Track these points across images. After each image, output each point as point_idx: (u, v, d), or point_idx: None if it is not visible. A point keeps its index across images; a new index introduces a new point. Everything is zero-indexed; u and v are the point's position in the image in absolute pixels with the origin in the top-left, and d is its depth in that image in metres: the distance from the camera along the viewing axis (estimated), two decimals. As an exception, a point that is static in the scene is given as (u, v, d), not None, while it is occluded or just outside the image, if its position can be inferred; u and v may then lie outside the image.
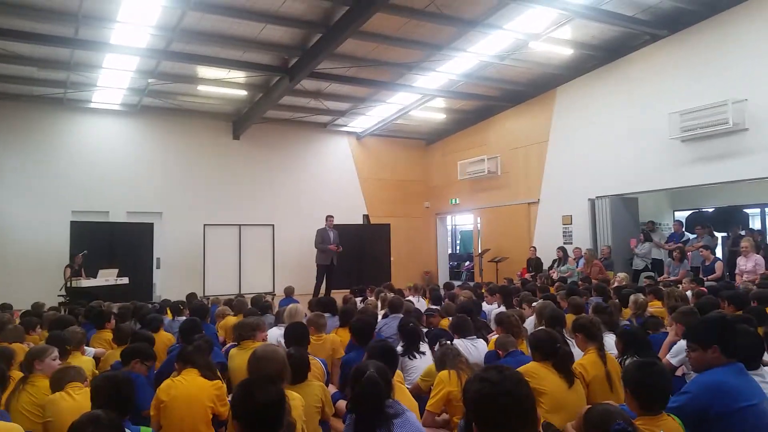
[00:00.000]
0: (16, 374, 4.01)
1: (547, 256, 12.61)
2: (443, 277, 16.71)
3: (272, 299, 10.40)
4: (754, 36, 9.22)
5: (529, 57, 11.35)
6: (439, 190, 17.27)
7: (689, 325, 3.51)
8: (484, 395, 1.87)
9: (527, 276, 12.04)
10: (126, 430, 2.66)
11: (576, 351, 4.10)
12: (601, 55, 11.56)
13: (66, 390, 3.49)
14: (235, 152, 15.14)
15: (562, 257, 12.04)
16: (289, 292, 9.71)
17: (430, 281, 15.00)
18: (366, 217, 16.16)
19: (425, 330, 5.56)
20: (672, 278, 9.79)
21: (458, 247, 19.37)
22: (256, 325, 4.97)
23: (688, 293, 6.76)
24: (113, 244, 11.85)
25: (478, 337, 5.08)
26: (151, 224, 12.97)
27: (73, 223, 11.89)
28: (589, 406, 2.61)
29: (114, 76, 11.78)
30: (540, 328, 4.41)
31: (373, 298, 8.37)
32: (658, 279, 9.89)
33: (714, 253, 10.34)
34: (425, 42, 10.64)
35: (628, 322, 5.54)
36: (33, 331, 5.98)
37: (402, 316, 5.97)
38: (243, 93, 13.13)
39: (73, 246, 11.46)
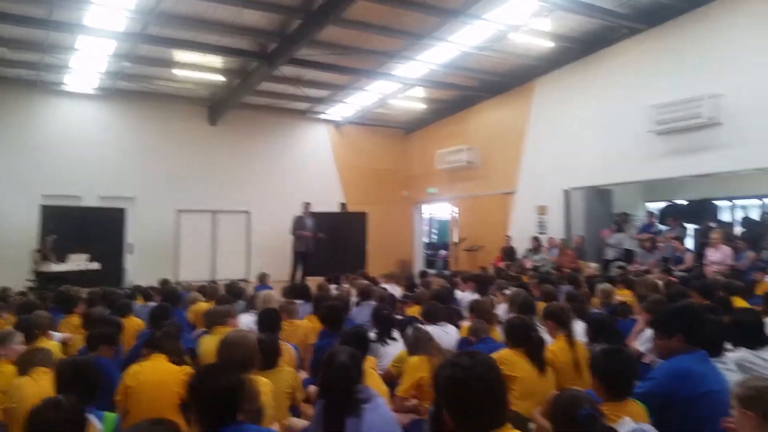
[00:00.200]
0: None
1: (521, 245, 12.73)
2: (419, 265, 16.77)
3: (246, 286, 10.33)
4: (731, 31, 9.33)
5: (509, 48, 11.36)
6: (417, 180, 17.28)
7: (656, 314, 3.58)
8: (455, 380, 1.87)
9: (501, 265, 12.14)
10: (89, 415, 2.61)
11: (546, 338, 4.16)
12: (580, 48, 11.62)
13: (31, 375, 3.42)
14: (211, 138, 14.93)
15: (536, 247, 12.17)
16: (263, 279, 9.66)
17: (406, 269, 15.04)
18: (343, 204, 16.10)
19: (399, 317, 5.57)
20: (642, 268, 9.95)
21: (435, 236, 19.45)
22: (227, 312, 4.93)
23: (659, 283, 6.88)
24: (84, 229, 11.64)
25: (449, 323, 5.12)
26: (124, 209, 12.78)
27: (43, 207, 11.65)
28: (557, 391, 2.64)
29: (88, 59, 11.49)
30: (514, 315, 4.44)
31: (347, 286, 8.37)
32: (629, 268, 10.04)
33: (684, 244, 10.53)
34: (407, 31, 10.58)
35: (597, 311, 5.62)
36: (-1, 316, 5.86)
37: (374, 303, 5.97)
38: (220, 78, 12.92)
39: (42, 230, 11.23)
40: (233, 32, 10.45)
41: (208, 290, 7.41)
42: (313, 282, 9.34)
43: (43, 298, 7.06)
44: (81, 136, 13.38)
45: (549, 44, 11.18)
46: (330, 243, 12.78)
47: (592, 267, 9.87)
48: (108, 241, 12.00)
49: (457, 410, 1.85)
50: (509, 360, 3.51)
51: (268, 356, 3.57)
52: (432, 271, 12.11)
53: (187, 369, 3.69)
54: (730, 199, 12.66)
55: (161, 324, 4.49)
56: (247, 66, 12.29)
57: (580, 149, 11.87)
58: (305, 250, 12.49)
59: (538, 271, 9.82)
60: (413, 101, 15.17)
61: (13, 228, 12.02)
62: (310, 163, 16.22)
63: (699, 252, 10.15)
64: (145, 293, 7.46)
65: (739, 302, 5.29)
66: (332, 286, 8.55)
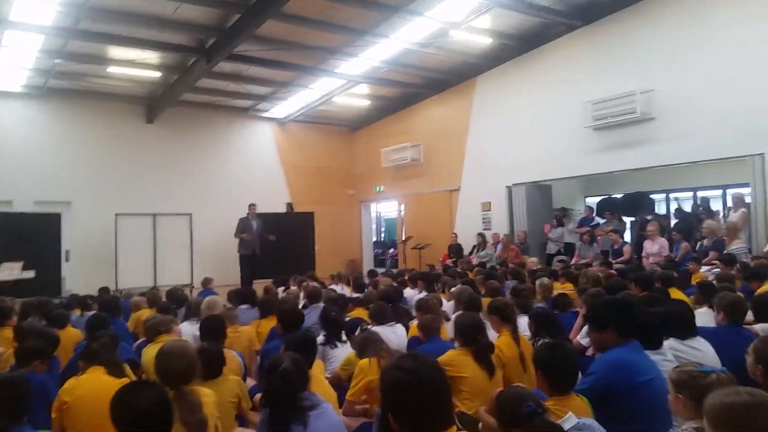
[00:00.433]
0: None
1: (467, 242, 12.92)
2: (368, 264, 16.77)
3: (191, 291, 10.07)
4: (662, 28, 9.72)
5: (450, 45, 11.49)
6: (364, 178, 17.27)
7: (587, 309, 3.69)
8: (399, 383, 1.87)
9: (449, 262, 12.28)
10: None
11: (491, 333, 4.22)
12: (519, 45, 11.86)
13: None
14: (149, 137, 14.46)
15: (482, 243, 12.39)
16: (207, 284, 9.44)
17: (355, 269, 15.02)
18: (289, 205, 15.93)
19: (347, 319, 5.54)
20: (582, 261, 10.27)
21: (383, 235, 19.50)
22: (170, 320, 4.79)
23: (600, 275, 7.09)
24: (17, 236, 11.03)
25: (398, 323, 5.12)
26: (59, 214, 12.22)
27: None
28: (501, 389, 2.67)
29: (16, 55, 10.92)
30: (464, 312, 4.49)
31: (295, 288, 8.28)
32: (570, 262, 10.34)
33: (622, 237, 10.91)
34: (348, 27, 10.54)
35: (541, 305, 5.75)
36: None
37: (323, 305, 5.92)
38: (157, 75, 12.52)
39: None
40: (170, 27, 10.15)
41: (149, 297, 7.17)
42: (260, 285, 9.20)
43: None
44: (10, 138, 12.72)
45: (489, 41, 11.36)
46: (277, 245, 12.62)
47: (532, 261, 10.11)
48: (43, 249, 11.43)
49: (402, 413, 1.85)
50: (456, 361, 3.53)
51: (210, 365, 3.48)
52: (381, 270, 12.12)
53: (125, 381, 3.57)
54: (664, 192, 13.20)
55: (98, 335, 4.31)
56: (186, 62, 11.96)
57: (521, 145, 12.14)
58: (251, 253, 12.30)
59: (484, 267, 9.97)
60: (357, 98, 15.14)
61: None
62: (254, 162, 15.95)
63: (637, 244, 10.55)
64: (83, 302, 7.15)
65: (676, 293, 5.50)
66: (280, 289, 8.44)
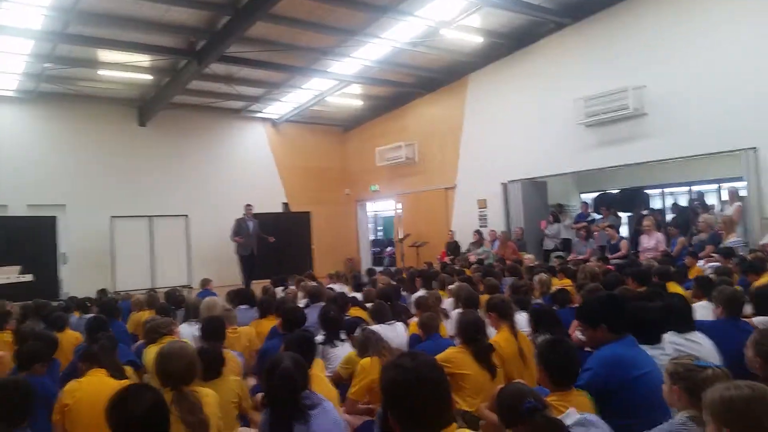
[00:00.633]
0: None
1: (464, 239, 12.94)
2: (366, 263, 16.78)
3: (189, 292, 10.05)
4: (652, 25, 9.75)
5: (441, 44, 11.48)
6: (359, 177, 17.27)
7: (578, 307, 3.70)
8: (398, 382, 1.87)
9: (446, 259, 12.30)
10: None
11: (490, 330, 4.24)
12: (510, 43, 11.87)
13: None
14: (143, 140, 14.39)
15: (479, 240, 12.40)
16: (205, 284, 9.43)
17: (353, 268, 15.03)
18: (285, 205, 15.92)
19: (347, 318, 5.55)
20: (580, 257, 10.30)
21: (380, 233, 19.51)
22: (169, 323, 4.79)
23: (597, 271, 7.12)
24: (13, 240, 11.00)
25: (397, 322, 5.14)
26: (54, 217, 12.18)
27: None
28: (502, 386, 2.69)
29: (5, 60, 10.86)
30: (465, 311, 4.49)
31: (294, 288, 8.28)
32: (568, 258, 10.37)
33: (619, 232, 10.95)
34: (338, 27, 10.54)
35: (539, 301, 5.77)
36: None
37: (323, 304, 5.93)
38: (148, 77, 12.45)
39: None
40: (160, 30, 10.11)
41: (146, 299, 7.17)
42: (258, 285, 9.19)
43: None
44: (3, 142, 12.65)
45: (479, 40, 11.36)
46: (274, 245, 12.62)
47: (528, 257, 10.13)
48: (40, 252, 11.41)
49: (401, 412, 1.85)
50: (457, 358, 3.54)
51: (211, 366, 3.48)
52: (379, 269, 12.14)
53: (125, 383, 3.57)
54: (659, 186, 13.25)
55: (97, 337, 4.32)
56: (177, 64, 11.92)
57: (515, 142, 12.16)
58: (249, 253, 12.29)
59: (482, 265, 9.99)
60: (350, 98, 15.13)
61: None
62: (249, 163, 15.92)
63: (633, 239, 10.58)
64: (82, 305, 7.15)
65: (674, 287, 5.52)
66: (278, 289, 8.44)
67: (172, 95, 13.20)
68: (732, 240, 8.31)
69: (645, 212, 11.24)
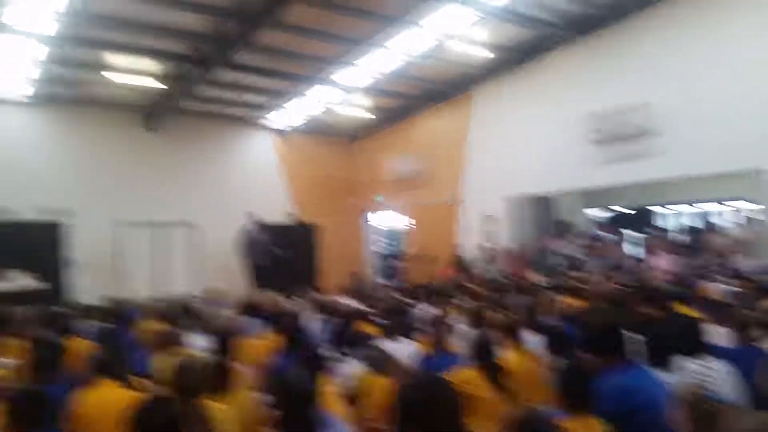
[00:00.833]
0: None
1: (470, 254, 12.91)
2: (372, 276, 16.75)
3: (195, 301, 10.06)
4: (660, 42, 9.73)
5: (448, 57, 11.50)
6: (366, 189, 17.28)
7: (580, 338, 3.65)
8: (414, 402, 1.88)
9: (452, 274, 12.26)
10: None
11: (498, 349, 4.22)
12: (517, 57, 11.90)
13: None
14: (150, 145, 14.41)
15: (484, 255, 12.37)
16: (212, 294, 9.44)
17: (359, 281, 15.00)
18: (292, 215, 15.94)
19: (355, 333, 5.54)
20: (586, 275, 10.25)
21: (386, 246, 19.47)
22: (177, 335, 4.81)
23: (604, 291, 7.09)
24: (20, 245, 10.94)
25: (405, 338, 5.13)
26: (61, 223, 12.21)
27: (-28, 222, 11.04)
28: (514, 411, 2.69)
29: (11, 63, 10.88)
30: (477, 330, 4.49)
31: (301, 300, 8.28)
32: (573, 275, 10.32)
33: (624, 251, 10.91)
34: (345, 37, 10.60)
35: (548, 320, 5.74)
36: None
37: (331, 318, 5.94)
38: (155, 83, 12.48)
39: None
40: (167, 35, 10.17)
41: (155, 307, 7.19)
42: (265, 297, 9.18)
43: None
44: (11, 146, 12.70)
45: (486, 53, 11.37)
46: (280, 255, 12.62)
47: (535, 275, 10.09)
48: (46, 257, 11.42)
49: (414, 430, 1.86)
50: (472, 381, 3.53)
51: (222, 380, 3.50)
52: (385, 282, 12.12)
53: (137, 393, 3.59)
54: (668, 205, 13.20)
55: (108, 346, 4.33)
56: (183, 70, 11.96)
57: (520, 157, 12.14)
58: (258, 263, 12.28)
59: (488, 281, 9.97)
60: (358, 109, 15.18)
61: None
62: (255, 171, 15.96)
63: (640, 259, 10.54)
64: (90, 312, 7.16)
65: (682, 309, 5.49)
66: (285, 301, 8.45)
67: (179, 101, 13.27)
68: (745, 262, 8.24)
69: (652, 231, 11.19)
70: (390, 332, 5.02)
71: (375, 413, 3.65)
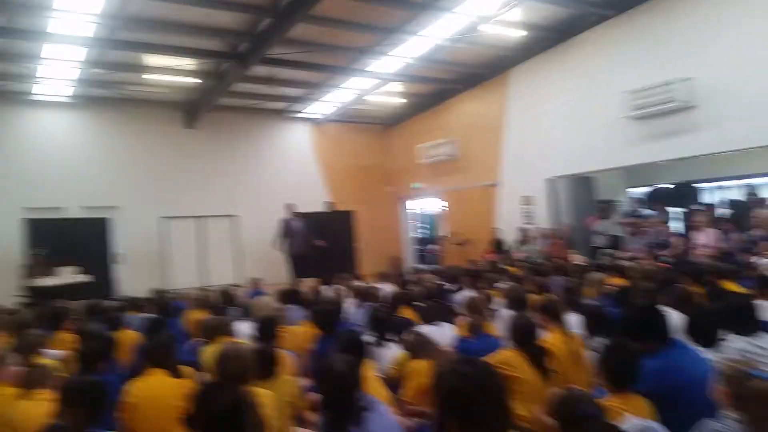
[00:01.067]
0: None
1: (509, 237, 12.79)
2: (410, 261, 16.79)
3: (238, 291, 10.28)
4: (696, 16, 9.40)
5: (482, 39, 11.32)
6: (401, 175, 17.27)
7: (620, 323, 3.58)
8: (456, 389, 1.87)
9: (492, 257, 12.18)
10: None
11: (541, 331, 4.18)
12: (553, 36, 11.65)
13: (31, 397, 3.39)
14: (190, 142, 14.77)
15: (525, 238, 12.23)
16: (255, 283, 9.63)
17: (397, 267, 15.05)
18: (329, 204, 16.06)
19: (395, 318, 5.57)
20: (630, 254, 10.04)
21: (423, 231, 19.46)
22: (226, 324, 4.91)
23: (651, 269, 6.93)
24: (70, 241, 11.34)
25: (445, 322, 5.14)
26: (108, 218, 12.62)
27: (25, 220, 11.49)
28: (557, 391, 2.67)
29: (56, 66, 11.26)
30: (518, 313, 4.45)
31: (340, 287, 8.37)
32: (617, 255, 10.13)
33: (670, 228, 10.63)
34: (377, 26, 10.55)
35: (592, 301, 5.65)
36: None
37: (371, 304, 5.98)
38: (193, 80, 12.74)
39: (27, 244, 11.09)
40: (203, 34, 10.35)
41: (200, 298, 7.36)
42: (305, 285, 9.31)
43: (40, 315, 6.91)
44: (57, 146, 13.18)
45: (521, 33, 11.16)
46: (319, 244, 12.73)
47: (575, 256, 9.93)
48: (94, 252, 11.82)
49: (460, 419, 1.85)
50: (513, 362, 3.51)
51: (267, 366, 3.57)
52: (423, 267, 12.13)
53: (187, 382, 3.70)
54: (711, 180, 12.80)
55: (156, 336, 4.47)
56: (220, 67, 12.15)
57: (559, 137, 11.93)
58: (298, 252, 12.42)
59: (529, 263, 9.87)
60: (391, 96, 15.13)
61: (-4, 244, 11.85)
62: (292, 162, 16.15)
63: (685, 235, 10.25)
64: (137, 304, 7.39)
65: (730, 286, 5.33)
66: (325, 288, 8.54)
67: (216, 98, 13.47)
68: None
69: (697, 207, 10.86)
70: (429, 316, 5.03)
71: (415, 397, 3.67)
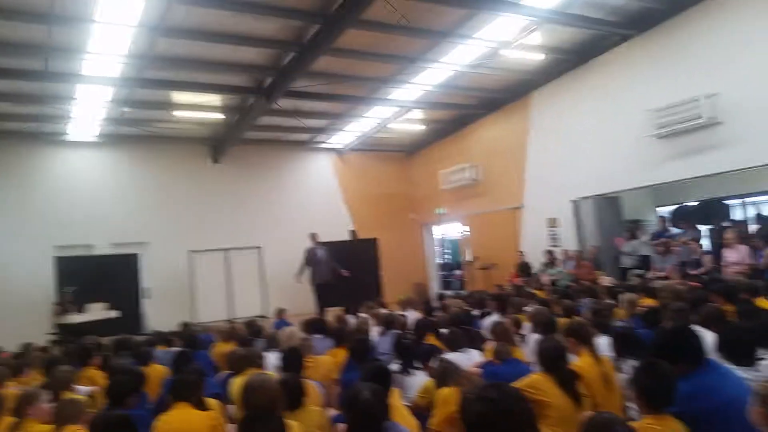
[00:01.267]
0: (6, 420, 3.92)
1: (535, 259, 12.65)
2: (435, 287, 16.68)
3: (265, 322, 10.30)
4: (719, 32, 9.34)
5: (503, 64, 11.41)
6: (424, 201, 17.29)
7: (652, 345, 3.49)
8: (483, 414, 1.85)
9: (517, 281, 12.04)
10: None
11: (570, 356, 4.10)
12: (574, 58, 11.68)
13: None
14: (216, 176, 15.09)
15: (551, 260, 12.07)
16: (280, 314, 9.64)
17: (422, 293, 14.96)
18: (353, 232, 16.12)
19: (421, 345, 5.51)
20: (661, 274, 9.84)
21: (448, 257, 19.37)
22: (254, 354, 4.92)
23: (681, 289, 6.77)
24: (99, 277, 11.57)
25: (472, 348, 5.07)
26: (137, 254, 12.84)
27: (56, 258, 11.74)
28: (589, 415, 2.61)
29: (88, 106, 11.66)
30: (546, 337, 4.37)
31: (365, 315, 8.33)
32: (647, 276, 9.93)
33: (700, 246, 10.41)
34: (398, 55, 10.70)
35: (622, 323, 5.54)
36: (21, 373, 5.86)
37: (396, 332, 5.94)
38: (220, 116, 13.07)
39: (58, 282, 11.32)
40: (229, 70, 10.62)
41: (229, 330, 7.39)
42: (330, 314, 9.30)
43: (68, 352, 7.02)
44: (87, 185, 13.57)
45: (541, 57, 11.21)
46: (344, 273, 12.75)
47: (605, 278, 9.75)
48: (124, 288, 12.03)
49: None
50: (541, 386, 3.44)
51: (293, 396, 3.55)
52: (448, 293, 12.03)
53: (213, 414, 3.71)
54: (740, 197, 12.54)
55: (183, 370, 4.49)
56: (246, 102, 12.45)
57: (583, 159, 11.85)
58: (323, 281, 12.46)
59: (556, 286, 9.72)
60: (412, 123, 15.27)
61: (29, 282, 12.10)
62: (316, 192, 16.35)
63: (715, 253, 10.02)
64: (166, 338, 7.45)
65: (763, 303, 5.19)
66: (350, 317, 8.52)
67: (242, 132, 13.77)
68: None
69: (726, 224, 10.62)
70: (455, 343, 4.97)
71: (444, 426, 3.61)
